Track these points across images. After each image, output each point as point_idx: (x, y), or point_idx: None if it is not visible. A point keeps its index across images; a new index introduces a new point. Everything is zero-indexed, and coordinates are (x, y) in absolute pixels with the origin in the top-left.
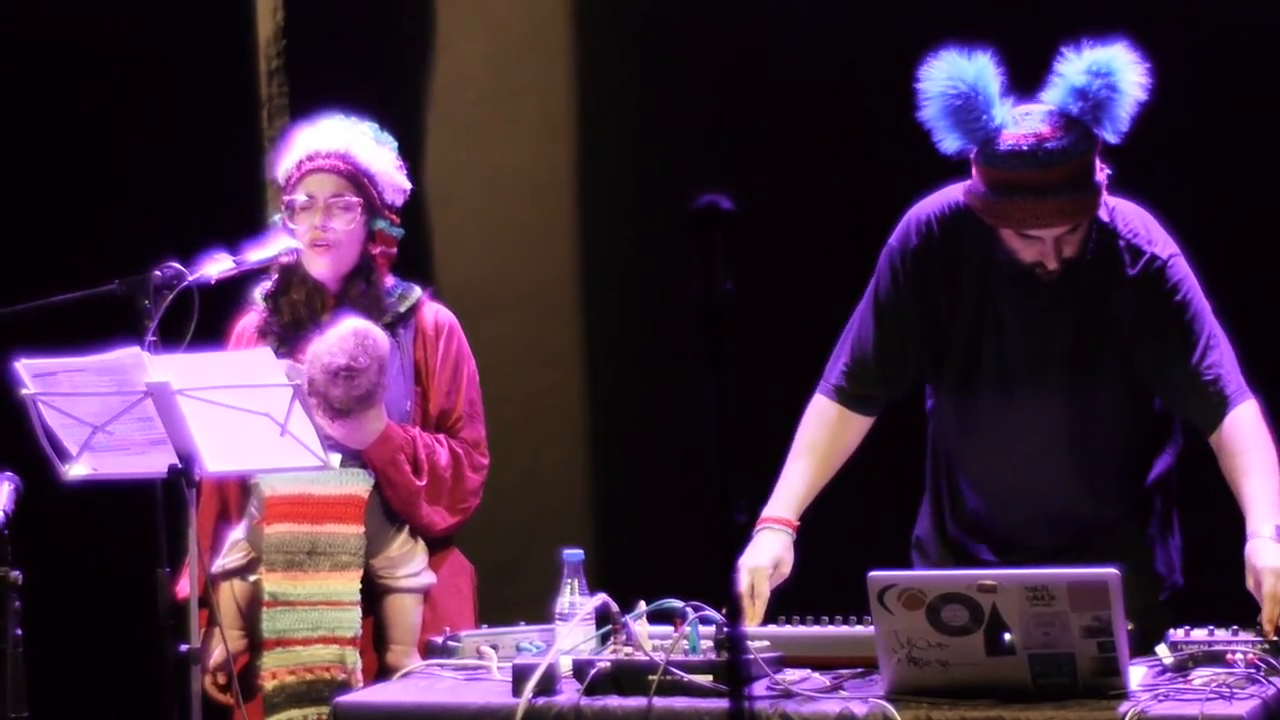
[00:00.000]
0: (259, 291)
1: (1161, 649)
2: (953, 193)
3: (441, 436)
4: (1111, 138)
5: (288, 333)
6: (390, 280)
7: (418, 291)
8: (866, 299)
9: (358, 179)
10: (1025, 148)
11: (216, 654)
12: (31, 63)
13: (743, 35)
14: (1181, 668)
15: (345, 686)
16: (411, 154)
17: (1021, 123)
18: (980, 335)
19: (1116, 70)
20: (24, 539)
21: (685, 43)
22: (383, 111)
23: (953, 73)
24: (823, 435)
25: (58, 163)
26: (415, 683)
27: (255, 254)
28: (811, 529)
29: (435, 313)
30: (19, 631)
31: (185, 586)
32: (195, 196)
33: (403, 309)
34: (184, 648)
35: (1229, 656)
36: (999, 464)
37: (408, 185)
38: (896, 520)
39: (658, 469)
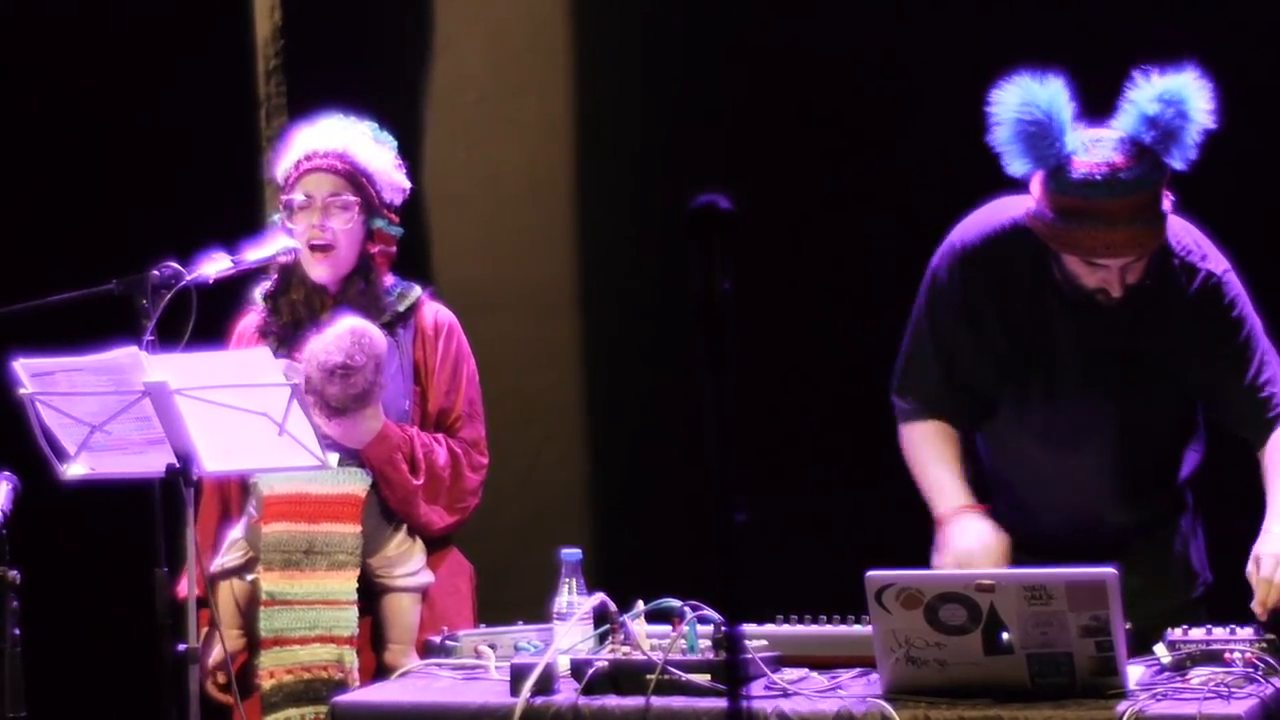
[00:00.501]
0: (259, 292)
1: (1159, 648)
2: (998, 213)
3: (440, 436)
4: (1179, 165)
5: (287, 332)
6: (389, 279)
7: (417, 290)
8: (918, 326)
9: (356, 178)
10: (1099, 177)
11: (215, 653)
12: (30, 62)
13: (742, 34)
14: (1179, 667)
15: (342, 686)
16: (410, 154)
17: (1093, 150)
18: (1031, 352)
19: (1187, 98)
20: (22, 539)
21: (684, 42)
22: (382, 111)
23: (1026, 97)
24: (933, 443)
25: (56, 162)
26: (413, 682)
27: (253, 254)
28: (811, 529)
29: (435, 312)
30: (17, 631)
31: (184, 586)
32: (193, 196)
33: (402, 308)
34: (182, 647)
35: (1227, 655)
36: (1044, 473)
37: (407, 184)
38: (895, 520)
39: (656, 468)
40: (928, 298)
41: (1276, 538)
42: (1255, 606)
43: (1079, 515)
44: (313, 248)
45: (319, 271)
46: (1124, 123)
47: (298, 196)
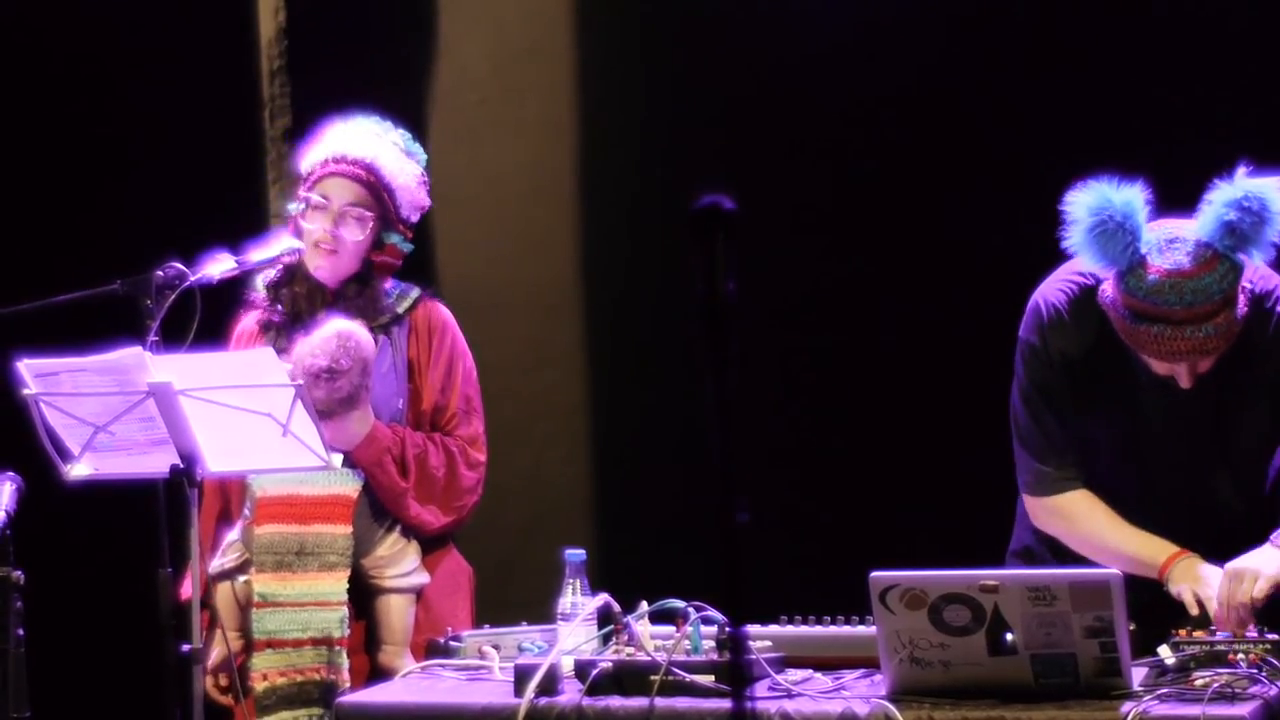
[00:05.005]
0: (261, 279)
1: (1164, 649)
2: (1081, 275)
3: (436, 435)
4: (1259, 261)
5: (286, 324)
6: (389, 282)
7: (416, 292)
8: (1029, 397)
9: (378, 191)
10: (1168, 284)
11: (215, 654)
12: (34, 63)
13: (743, 36)
14: (1183, 668)
15: (333, 688)
16: None
17: (1167, 253)
18: (1122, 400)
19: (1268, 203)
20: (26, 539)
21: (686, 44)
22: (384, 112)
23: (1101, 201)
24: (1098, 509)
25: (61, 163)
26: (417, 683)
27: (257, 254)
28: (814, 529)
29: (430, 310)
30: (21, 632)
31: (188, 587)
32: (197, 196)
33: (400, 310)
34: (186, 648)
35: (1231, 657)
36: (1150, 516)
37: (427, 203)
38: (899, 520)
39: (659, 469)
40: (1027, 367)
41: (1252, 554)
42: (1225, 625)
43: (1167, 528)
44: (317, 245)
45: (318, 266)
46: (1201, 226)
47: (316, 196)
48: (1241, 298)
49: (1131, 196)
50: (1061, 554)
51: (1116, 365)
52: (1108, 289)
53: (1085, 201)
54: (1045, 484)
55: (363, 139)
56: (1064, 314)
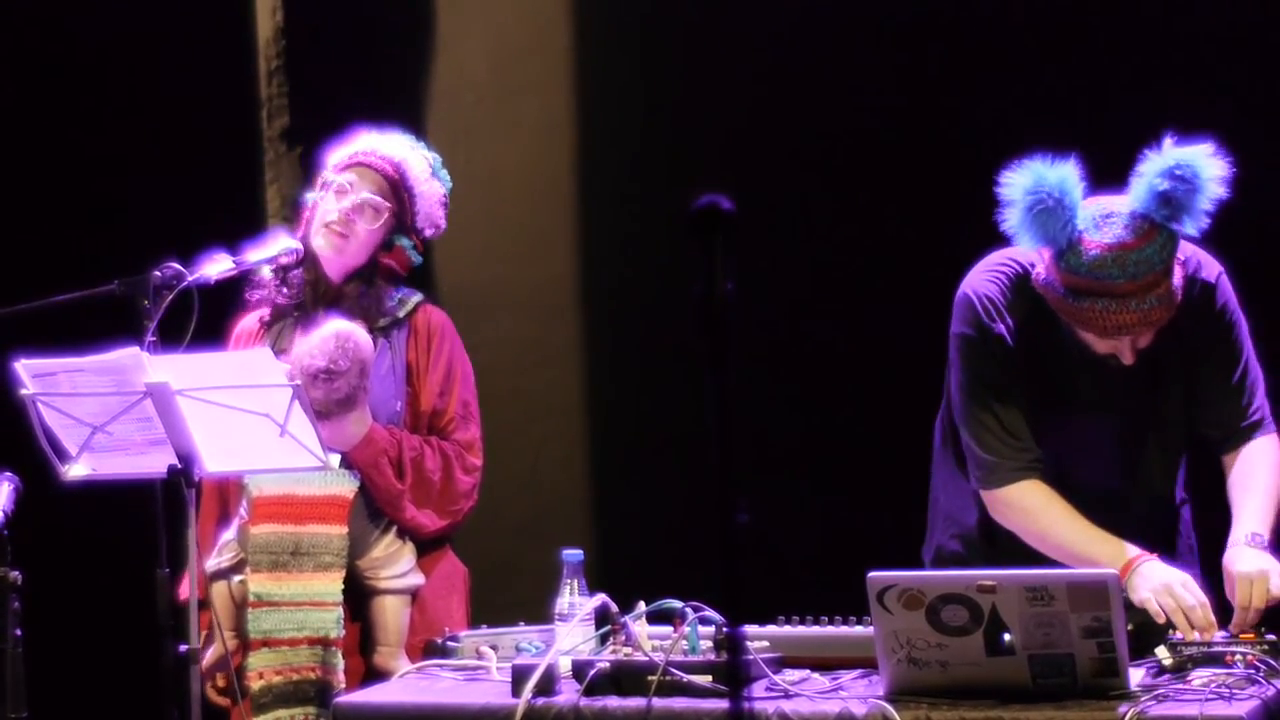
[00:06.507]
0: (268, 267)
1: (1161, 650)
2: (1006, 262)
3: (432, 439)
4: (1191, 232)
5: (290, 310)
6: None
7: (418, 298)
8: (970, 388)
9: (400, 191)
10: (1111, 258)
11: (210, 654)
12: (32, 64)
13: (743, 36)
14: (1181, 669)
15: (328, 687)
16: None
17: (1104, 228)
18: (1055, 383)
19: (1199, 171)
20: (24, 539)
21: (685, 43)
22: (382, 112)
23: (1036, 180)
24: (1051, 502)
25: (58, 164)
26: (415, 683)
27: (255, 254)
28: (812, 529)
29: (429, 314)
30: (18, 632)
31: (185, 588)
32: (195, 196)
33: (401, 314)
34: (183, 648)
35: (1228, 657)
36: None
37: (443, 225)
38: (897, 521)
39: (657, 469)
40: (965, 359)
41: (1242, 552)
42: (1232, 629)
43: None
44: (328, 225)
45: (322, 244)
46: (1134, 197)
47: (340, 180)
48: (1177, 269)
49: (1066, 174)
50: (996, 555)
51: (1050, 350)
52: (1041, 272)
53: (1020, 182)
54: (997, 475)
55: (396, 144)
56: (997, 303)
